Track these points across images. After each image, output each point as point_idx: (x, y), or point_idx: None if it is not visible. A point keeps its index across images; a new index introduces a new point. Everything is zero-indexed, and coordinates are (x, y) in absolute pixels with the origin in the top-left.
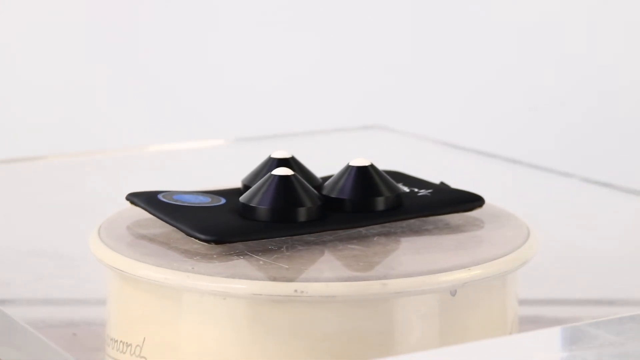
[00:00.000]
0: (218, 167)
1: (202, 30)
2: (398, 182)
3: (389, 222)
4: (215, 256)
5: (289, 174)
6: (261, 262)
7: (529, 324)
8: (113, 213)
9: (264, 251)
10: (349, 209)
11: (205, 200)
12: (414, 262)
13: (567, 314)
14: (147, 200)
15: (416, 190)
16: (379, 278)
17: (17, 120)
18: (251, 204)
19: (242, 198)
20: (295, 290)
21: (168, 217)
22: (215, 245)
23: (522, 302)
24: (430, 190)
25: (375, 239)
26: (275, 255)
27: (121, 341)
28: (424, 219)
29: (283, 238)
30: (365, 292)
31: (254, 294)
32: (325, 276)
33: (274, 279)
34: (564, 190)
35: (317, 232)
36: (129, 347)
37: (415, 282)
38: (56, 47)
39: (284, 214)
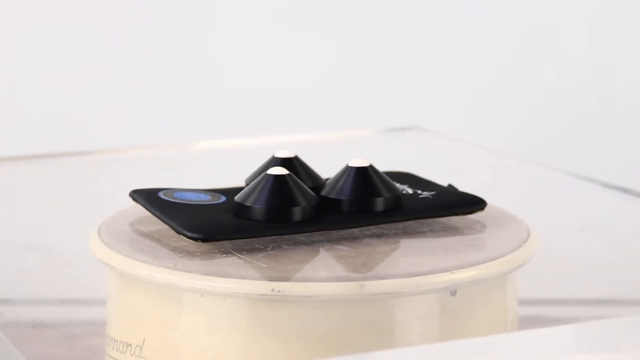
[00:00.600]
0: (247, 166)
1: (222, 29)
2: (404, 183)
3: (384, 223)
4: (198, 254)
5: (284, 173)
6: (242, 261)
7: (529, 324)
8: (115, 212)
9: (250, 250)
10: (345, 210)
11: (206, 198)
12: (401, 264)
13: (568, 314)
14: (146, 197)
15: (419, 192)
16: (358, 279)
17: (30, 118)
18: (245, 203)
19: (237, 197)
20: (272, 290)
21: (162, 214)
22: (202, 243)
23: (522, 302)
24: (433, 193)
25: (365, 240)
26: (261, 255)
27: (121, 341)
28: (421, 220)
29: (273, 237)
30: (342, 293)
31: (231, 292)
32: (304, 276)
33: (251, 278)
34: (564, 189)
35: (308, 232)
36: (129, 347)
37: (394, 285)
38: (59, 45)
39: (277, 213)
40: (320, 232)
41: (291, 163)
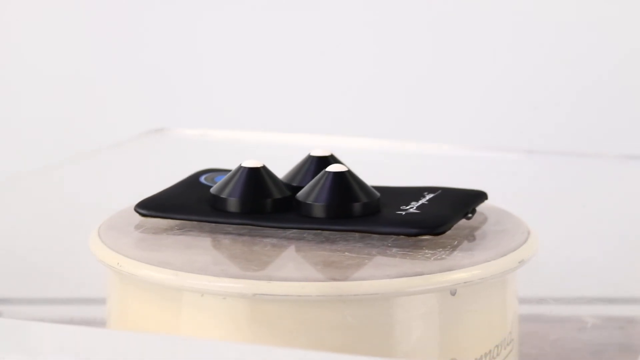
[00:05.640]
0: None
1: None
2: (445, 199)
3: (346, 230)
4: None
5: (258, 165)
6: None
7: (529, 323)
8: (115, 211)
9: (167, 230)
10: (318, 213)
11: None
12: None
13: (568, 313)
14: (188, 177)
15: (412, 207)
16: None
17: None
18: (218, 194)
19: (212, 188)
20: (118, 263)
21: (164, 191)
22: (145, 218)
23: (522, 302)
24: (418, 212)
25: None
26: (162, 235)
27: None
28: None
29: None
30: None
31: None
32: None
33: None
34: (565, 189)
35: (244, 226)
36: None
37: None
38: (58, 44)
39: (242, 204)
40: (319, 232)
41: (326, 162)
